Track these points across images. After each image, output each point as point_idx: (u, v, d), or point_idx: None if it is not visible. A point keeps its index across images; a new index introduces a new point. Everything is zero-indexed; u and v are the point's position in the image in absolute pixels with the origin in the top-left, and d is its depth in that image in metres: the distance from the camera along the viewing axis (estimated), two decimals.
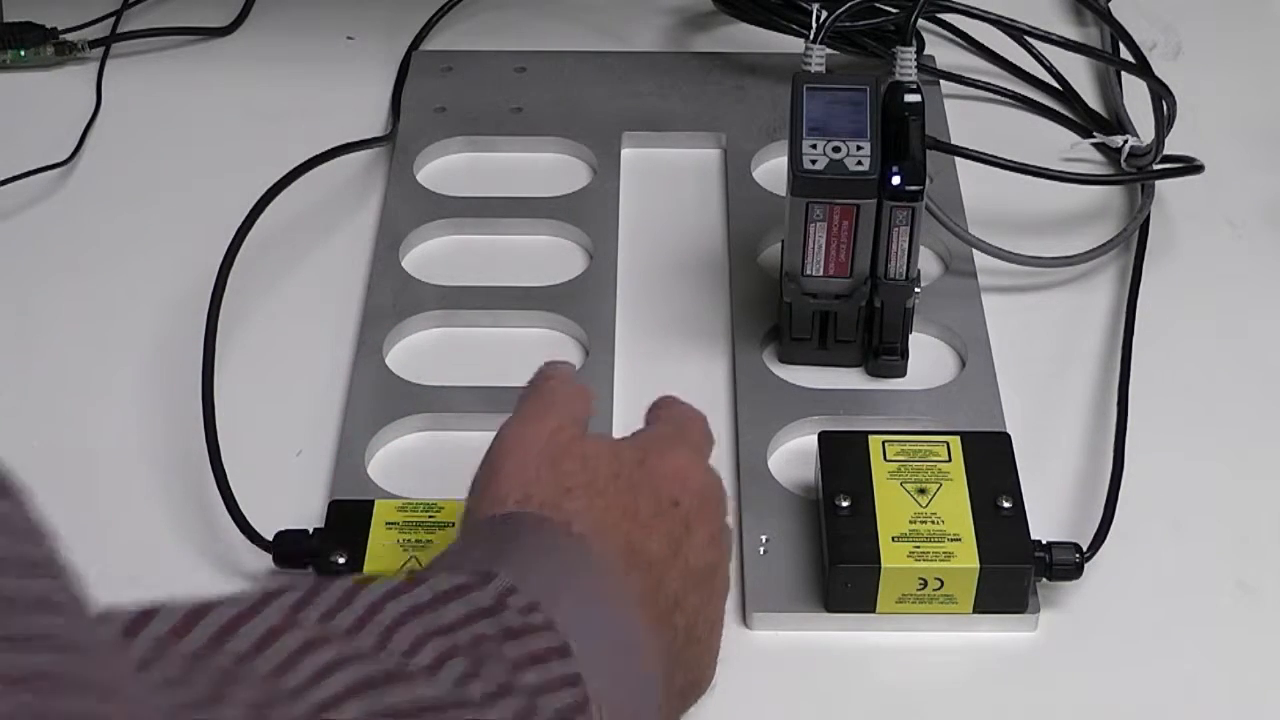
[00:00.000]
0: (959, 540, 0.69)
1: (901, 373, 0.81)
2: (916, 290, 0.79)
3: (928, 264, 0.85)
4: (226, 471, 0.73)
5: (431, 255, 0.88)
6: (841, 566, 0.69)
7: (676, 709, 0.62)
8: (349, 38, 1.03)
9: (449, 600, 0.54)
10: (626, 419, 0.79)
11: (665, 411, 0.67)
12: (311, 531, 0.71)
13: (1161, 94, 0.85)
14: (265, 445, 0.78)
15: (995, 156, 0.85)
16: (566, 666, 0.54)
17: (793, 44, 0.91)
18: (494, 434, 0.63)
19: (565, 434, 0.64)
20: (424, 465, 0.77)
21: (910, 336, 0.81)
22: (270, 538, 0.71)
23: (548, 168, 0.94)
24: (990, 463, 0.72)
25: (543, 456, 0.63)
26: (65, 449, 0.78)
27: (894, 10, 0.93)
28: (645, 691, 0.58)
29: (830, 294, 0.79)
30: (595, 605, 0.58)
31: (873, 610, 0.69)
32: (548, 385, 0.66)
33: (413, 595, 0.54)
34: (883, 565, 0.68)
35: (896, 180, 0.76)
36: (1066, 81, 0.98)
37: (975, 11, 0.88)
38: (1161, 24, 1.03)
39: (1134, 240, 0.87)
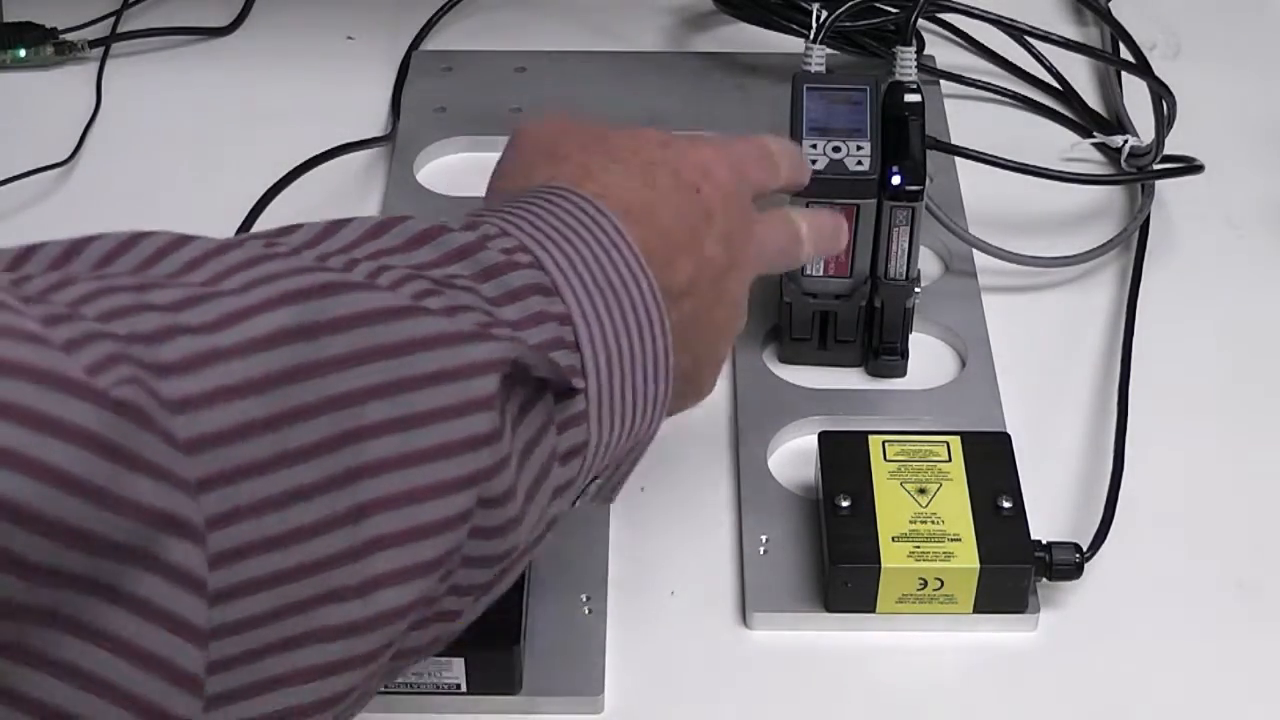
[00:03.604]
0: (959, 540, 0.69)
1: (901, 373, 0.81)
2: (916, 290, 0.79)
3: (928, 264, 0.85)
4: None
5: None
6: (841, 566, 0.69)
7: (673, 398, 0.60)
8: (349, 38, 1.03)
9: (421, 243, 0.53)
10: None
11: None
12: None
13: (1161, 94, 0.85)
14: None
15: (995, 156, 0.86)
16: (550, 304, 0.53)
17: (793, 44, 0.91)
18: None
19: (580, 120, 0.64)
20: None
21: (910, 336, 0.81)
22: None
23: None
24: (990, 463, 0.72)
25: (556, 136, 0.62)
26: None
27: (894, 10, 0.93)
28: (646, 343, 0.56)
29: (830, 294, 0.79)
30: (598, 253, 0.56)
31: (873, 610, 0.69)
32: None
33: (383, 239, 0.52)
34: (883, 565, 0.68)
35: (896, 180, 0.76)
36: (1066, 81, 0.98)
37: (975, 11, 0.88)
38: (1161, 24, 1.03)
39: (1134, 240, 0.87)
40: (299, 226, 0.53)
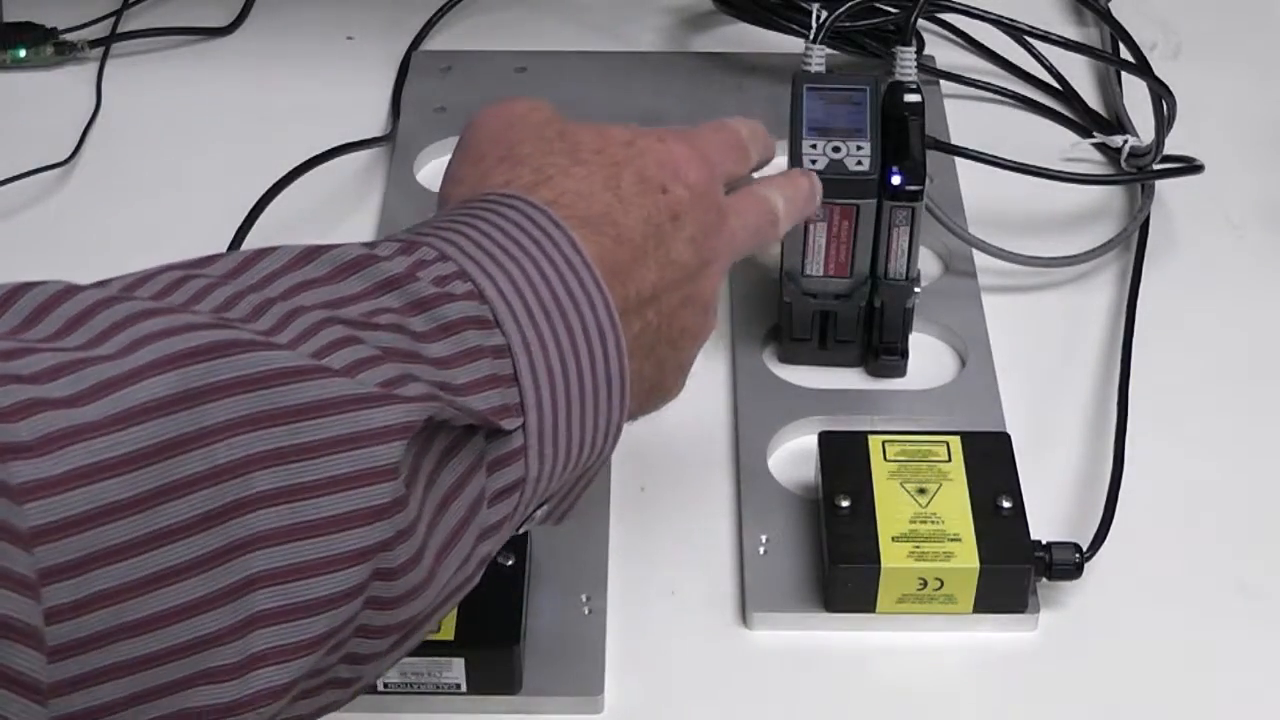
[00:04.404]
0: (959, 540, 0.69)
1: (901, 373, 0.81)
2: (916, 290, 0.79)
3: (928, 264, 0.85)
4: None
5: None
6: (841, 566, 0.69)
7: (635, 407, 0.58)
8: (349, 38, 1.03)
9: (348, 272, 0.50)
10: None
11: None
12: None
13: (1161, 94, 0.85)
14: None
15: (995, 156, 0.85)
16: (487, 338, 0.50)
17: (793, 44, 0.91)
18: None
19: (541, 112, 0.61)
20: None
21: (910, 336, 0.81)
22: None
23: None
24: (990, 463, 0.72)
25: (516, 130, 0.60)
26: None
27: (894, 10, 0.93)
28: (599, 367, 0.54)
29: (830, 294, 0.79)
30: (548, 272, 0.53)
31: (873, 610, 0.69)
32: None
33: (306, 269, 0.50)
34: (883, 565, 0.68)
35: (896, 180, 0.76)
36: (1066, 81, 0.98)
37: (975, 11, 0.88)
38: (1161, 24, 1.03)
39: (1134, 240, 0.87)
40: (219, 256, 0.50)
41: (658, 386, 0.60)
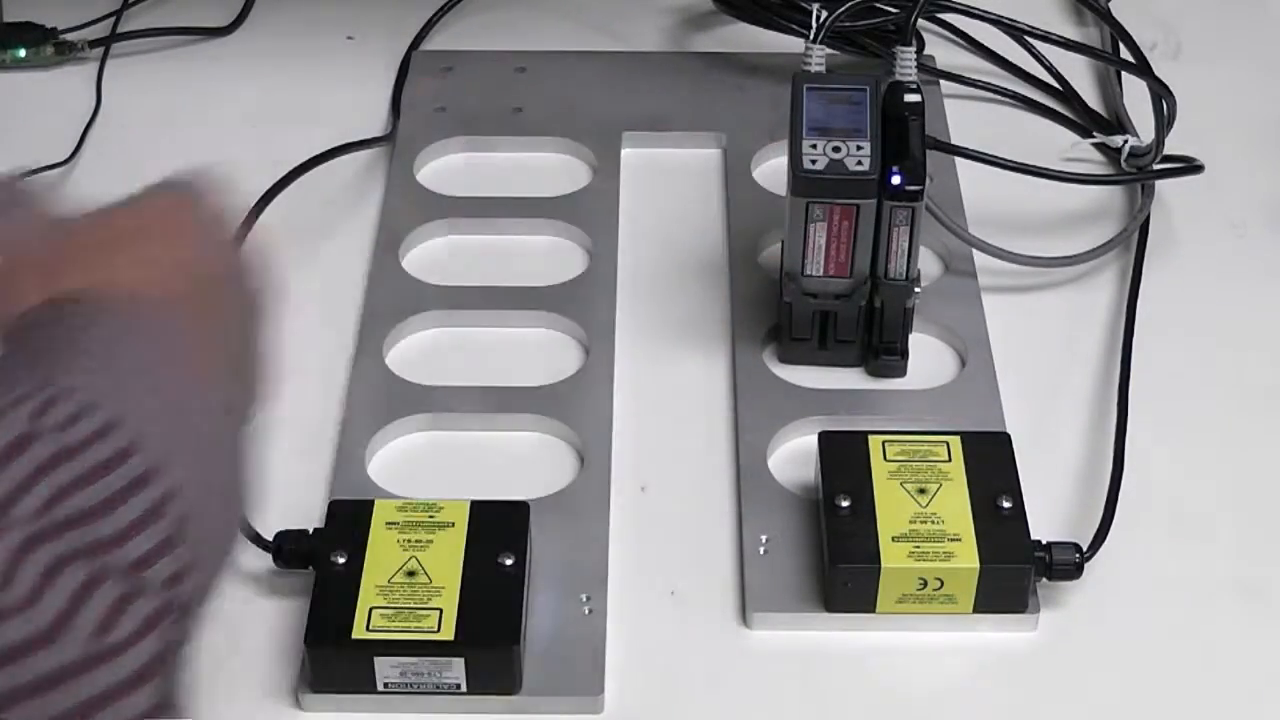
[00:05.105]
0: (959, 540, 0.69)
1: (901, 373, 0.81)
2: (916, 290, 0.79)
3: (928, 264, 0.85)
4: None
5: (431, 255, 0.88)
6: (841, 566, 0.69)
7: (229, 428, 0.59)
8: (349, 38, 1.03)
9: (10, 457, 0.47)
10: (626, 419, 0.79)
11: None
12: (311, 531, 0.71)
13: (1161, 94, 0.85)
14: (265, 445, 0.78)
15: (995, 156, 0.85)
16: (133, 469, 0.49)
17: (793, 44, 0.91)
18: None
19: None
20: (424, 465, 0.77)
21: (910, 336, 0.81)
22: (270, 538, 0.71)
23: (548, 168, 0.93)
24: (990, 463, 0.72)
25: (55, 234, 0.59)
26: None
27: (894, 10, 0.93)
28: (213, 439, 0.55)
29: (830, 294, 0.79)
30: (154, 377, 0.53)
31: (873, 610, 0.69)
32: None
33: None
34: (883, 565, 0.68)
35: (896, 180, 0.76)
36: (1066, 81, 0.98)
37: (975, 11, 0.88)
38: (1161, 24, 1.03)
39: (1134, 240, 0.87)
40: None
41: (255, 380, 0.62)
